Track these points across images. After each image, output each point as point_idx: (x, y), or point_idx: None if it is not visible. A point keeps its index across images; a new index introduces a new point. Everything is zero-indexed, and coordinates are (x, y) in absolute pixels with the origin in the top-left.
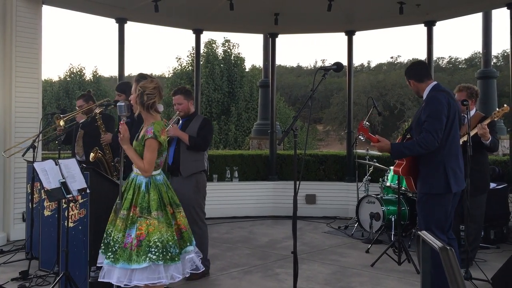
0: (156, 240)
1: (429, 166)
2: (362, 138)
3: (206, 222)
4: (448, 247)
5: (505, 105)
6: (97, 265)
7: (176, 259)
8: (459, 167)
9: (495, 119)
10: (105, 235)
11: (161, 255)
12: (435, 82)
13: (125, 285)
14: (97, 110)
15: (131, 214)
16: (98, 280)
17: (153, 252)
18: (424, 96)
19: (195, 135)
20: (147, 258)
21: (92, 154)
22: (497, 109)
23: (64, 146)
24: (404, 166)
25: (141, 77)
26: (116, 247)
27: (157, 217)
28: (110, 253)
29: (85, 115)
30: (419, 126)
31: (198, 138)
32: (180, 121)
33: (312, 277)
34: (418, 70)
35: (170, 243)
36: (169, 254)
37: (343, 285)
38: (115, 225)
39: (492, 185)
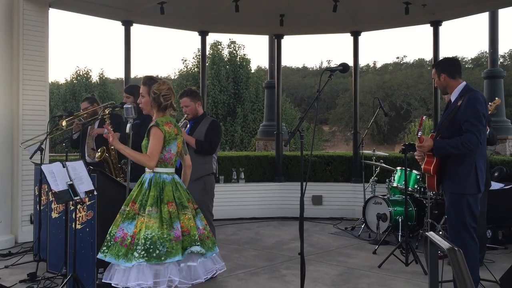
0: (142, 237)
1: (463, 166)
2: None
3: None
4: (456, 248)
5: (496, 98)
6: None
7: (163, 258)
8: (485, 167)
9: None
10: (108, 237)
11: (144, 253)
12: (465, 82)
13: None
14: (106, 111)
15: (127, 209)
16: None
17: (138, 250)
18: (455, 95)
19: (203, 138)
20: (133, 258)
21: (98, 153)
22: (489, 103)
23: (72, 148)
24: (435, 165)
25: (149, 79)
26: (111, 242)
27: (150, 213)
28: (104, 247)
29: (90, 117)
30: (455, 125)
31: (205, 142)
32: (188, 125)
33: (319, 279)
34: (452, 65)
35: (161, 240)
36: (156, 251)
37: (351, 286)
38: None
39: (500, 185)
